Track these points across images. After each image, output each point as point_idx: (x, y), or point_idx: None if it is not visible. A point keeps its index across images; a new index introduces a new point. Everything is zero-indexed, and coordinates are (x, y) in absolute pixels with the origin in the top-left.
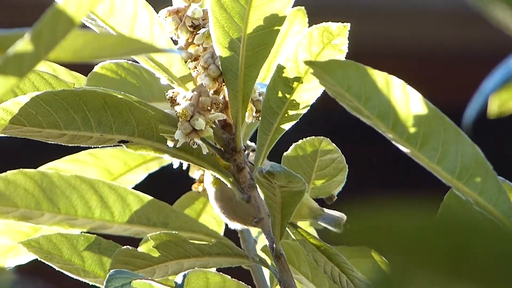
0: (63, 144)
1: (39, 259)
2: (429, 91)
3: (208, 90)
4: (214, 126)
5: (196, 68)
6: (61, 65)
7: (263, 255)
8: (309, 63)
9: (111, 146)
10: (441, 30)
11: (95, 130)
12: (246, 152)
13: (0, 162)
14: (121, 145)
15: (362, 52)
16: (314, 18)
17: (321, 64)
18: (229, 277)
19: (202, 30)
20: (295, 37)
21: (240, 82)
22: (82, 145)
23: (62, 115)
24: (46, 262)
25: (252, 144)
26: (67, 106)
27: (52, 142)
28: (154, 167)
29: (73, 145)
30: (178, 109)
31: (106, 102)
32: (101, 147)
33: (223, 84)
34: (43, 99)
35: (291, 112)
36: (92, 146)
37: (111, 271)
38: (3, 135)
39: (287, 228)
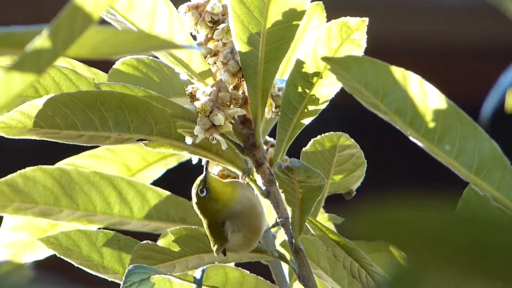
0: (81, 144)
1: (57, 255)
2: (446, 87)
3: (228, 86)
4: (233, 121)
5: (215, 63)
6: (79, 61)
7: (282, 250)
8: (326, 59)
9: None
10: (459, 25)
11: (113, 130)
12: (266, 147)
13: (19, 158)
14: (140, 143)
15: (380, 47)
16: (331, 13)
17: (337, 60)
18: (248, 272)
19: (222, 25)
20: (313, 31)
21: (259, 77)
22: (100, 145)
23: (80, 116)
24: (65, 259)
25: (271, 139)
26: (84, 107)
27: (71, 142)
28: (172, 162)
29: (91, 145)
30: (198, 104)
31: (123, 102)
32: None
33: (243, 79)
34: (60, 101)
35: (310, 107)
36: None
37: (130, 266)
38: (22, 137)
39: (306, 223)
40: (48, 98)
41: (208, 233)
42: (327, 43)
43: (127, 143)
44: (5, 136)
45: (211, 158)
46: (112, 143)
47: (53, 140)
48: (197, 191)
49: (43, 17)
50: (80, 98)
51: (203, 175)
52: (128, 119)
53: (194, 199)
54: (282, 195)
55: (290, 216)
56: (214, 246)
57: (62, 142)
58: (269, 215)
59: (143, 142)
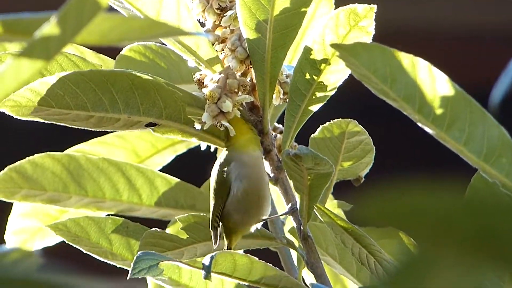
0: (90, 129)
1: (66, 242)
2: (455, 73)
3: (235, 72)
4: (241, 108)
5: (223, 50)
6: (87, 48)
7: (290, 237)
8: (335, 45)
9: (138, 129)
10: (467, 11)
11: (122, 111)
12: (274, 134)
13: (28, 145)
14: (147, 129)
15: (388, 34)
16: (339, 0)
17: (346, 46)
18: (257, 258)
19: (229, 12)
20: (321, 18)
21: (267, 64)
22: (109, 130)
23: (90, 96)
24: (74, 245)
25: (280, 126)
26: (94, 87)
27: (79, 127)
28: (181, 149)
29: (100, 129)
30: (206, 91)
31: (133, 83)
32: (128, 131)
33: (250, 66)
34: (71, 80)
35: (318, 94)
36: (119, 130)
37: (139, 253)
38: (30, 118)
39: (314, 210)
40: (59, 76)
41: (211, 195)
42: (335, 30)
43: (136, 128)
44: (14, 116)
45: (220, 144)
46: (121, 126)
47: (62, 125)
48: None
49: (51, 4)
50: (91, 77)
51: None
52: (138, 101)
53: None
54: (290, 182)
55: (298, 203)
56: (211, 220)
57: (70, 126)
58: (278, 202)
59: (152, 127)
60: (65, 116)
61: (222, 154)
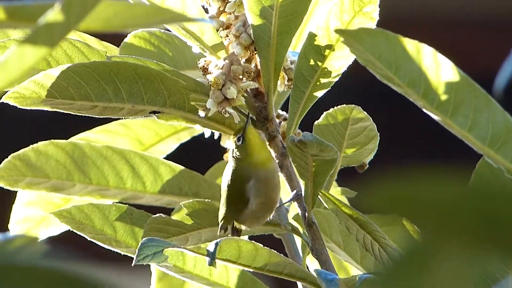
0: (95, 116)
1: (71, 229)
2: (459, 59)
3: (240, 59)
4: (246, 94)
5: (227, 36)
6: (91, 35)
7: (295, 223)
8: (339, 31)
9: (142, 117)
10: None
11: (126, 101)
12: (278, 120)
13: (31, 133)
14: (152, 116)
15: (393, 19)
16: None
17: (351, 32)
18: (261, 245)
19: None
20: (325, 4)
21: (272, 50)
22: (113, 117)
23: (93, 86)
24: (78, 232)
25: (284, 112)
26: (98, 77)
27: (84, 114)
28: (185, 137)
29: (105, 116)
30: (210, 77)
31: (137, 73)
32: (132, 118)
33: (255, 52)
34: (74, 71)
35: (323, 80)
36: (124, 117)
37: (143, 239)
38: (35, 108)
39: (319, 197)
40: (62, 68)
41: (224, 199)
42: (339, 16)
43: (140, 115)
44: (18, 107)
45: (224, 131)
46: (125, 114)
47: (66, 112)
48: (234, 137)
49: None
50: (94, 68)
51: (244, 124)
52: (142, 91)
53: (232, 146)
54: (295, 168)
55: (303, 189)
56: (222, 220)
57: (75, 114)
58: (282, 188)
59: (156, 114)
60: (69, 106)
61: (238, 167)
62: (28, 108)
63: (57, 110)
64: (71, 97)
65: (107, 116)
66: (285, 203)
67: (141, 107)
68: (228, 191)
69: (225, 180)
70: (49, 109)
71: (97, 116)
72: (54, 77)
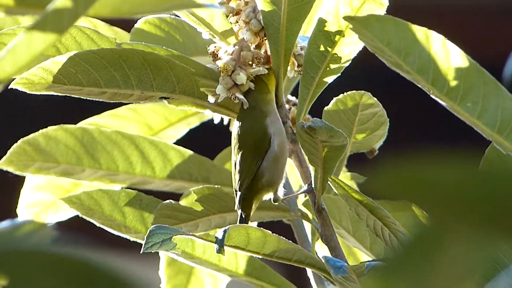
0: (104, 100)
1: (80, 215)
2: (469, 46)
3: (250, 45)
4: None
5: (237, 22)
6: (101, 20)
7: (304, 209)
8: (348, 18)
9: (153, 102)
10: None
11: (135, 87)
12: (288, 106)
13: (41, 118)
14: (162, 101)
15: (402, 6)
16: None
17: (360, 19)
18: (270, 232)
19: None
20: None
21: (282, 36)
22: (124, 102)
23: (102, 73)
24: (87, 218)
25: (294, 98)
26: (106, 64)
27: (94, 98)
28: (194, 122)
29: (114, 101)
30: (220, 63)
31: (145, 60)
32: (142, 102)
33: (265, 38)
34: (83, 58)
35: (332, 66)
36: (133, 103)
37: (152, 227)
38: (44, 93)
39: (328, 182)
40: (70, 55)
41: (244, 152)
42: (349, 2)
43: (150, 101)
44: (28, 92)
45: (234, 116)
46: (135, 100)
47: (76, 97)
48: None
49: None
50: (103, 55)
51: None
52: (151, 77)
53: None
54: (305, 154)
55: (312, 175)
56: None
57: (85, 98)
58: (292, 173)
59: (166, 99)
60: (78, 92)
61: (247, 111)
62: (38, 93)
63: (67, 96)
64: (80, 83)
65: (117, 101)
66: (298, 194)
67: (150, 94)
68: (248, 140)
69: (241, 130)
70: (58, 94)
71: (107, 101)
72: (62, 63)
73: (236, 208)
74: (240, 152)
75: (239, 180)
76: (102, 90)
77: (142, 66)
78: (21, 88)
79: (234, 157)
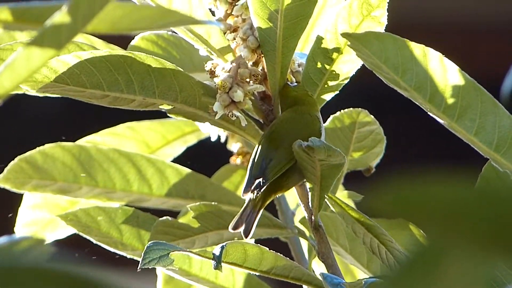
0: (105, 105)
1: (77, 232)
2: (466, 64)
3: (247, 62)
4: (253, 98)
5: (235, 39)
6: (98, 37)
7: (301, 227)
8: (345, 35)
9: (149, 119)
10: (479, 3)
11: (138, 93)
12: None
13: (38, 135)
14: (159, 120)
15: (401, 24)
16: None
17: (357, 36)
18: (267, 249)
19: (241, 1)
20: (332, 8)
21: (278, 53)
22: (123, 108)
23: (106, 76)
24: (84, 235)
25: None
26: (111, 67)
27: (94, 103)
28: (192, 140)
29: (115, 106)
30: (217, 80)
31: (150, 66)
32: (139, 116)
33: (262, 55)
34: (88, 60)
35: (330, 83)
36: (133, 109)
37: (149, 243)
38: (47, 94)
39: (325, 200)
40: (75, 55)
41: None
42: (347, 20)
43: (151, 108)
44: (27, 93)
45: (233, 130)
46: (136, 106)
47: (74, 113)
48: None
49: None
50: (108, 58)
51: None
52: (154, 84)
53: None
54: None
55: (309, 193)
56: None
57: (82, 115)
58: (289, 191)
59: (166, 110)
60: (80, 94)
61: (295, 109)
62: (39, 94)
63: (64, 112)
64: (83, 85)
65: (117, 107)
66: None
67: (152, 100)
68: (296, 135)
69: (289, 125)
70: (60, 95)
71: (108, 106)
72: (68, 63)
73: (242, 192)
74: (281, 145)
75: (264, 168)
76: (104, 93)
77: (146, 72)
78: (24, 86)
79: (265, 144)
